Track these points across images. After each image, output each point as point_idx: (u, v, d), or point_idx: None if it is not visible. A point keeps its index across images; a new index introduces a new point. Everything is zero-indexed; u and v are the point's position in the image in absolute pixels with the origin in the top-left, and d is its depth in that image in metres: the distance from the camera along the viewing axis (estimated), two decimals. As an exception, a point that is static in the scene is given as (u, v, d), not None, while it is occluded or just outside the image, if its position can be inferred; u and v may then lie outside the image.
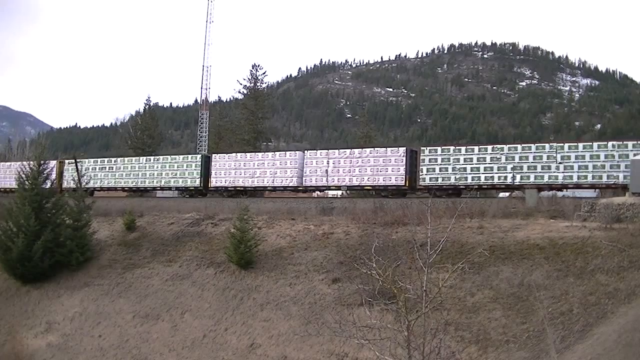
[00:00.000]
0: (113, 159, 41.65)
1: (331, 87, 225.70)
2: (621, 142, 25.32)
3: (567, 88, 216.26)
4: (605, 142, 25.99)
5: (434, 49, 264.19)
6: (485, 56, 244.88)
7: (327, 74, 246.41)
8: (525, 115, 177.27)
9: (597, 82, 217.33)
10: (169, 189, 38.86)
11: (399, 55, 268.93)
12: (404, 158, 30.07)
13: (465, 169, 28.28)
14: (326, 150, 33.49)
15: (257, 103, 60.41)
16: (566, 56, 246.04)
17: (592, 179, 25.49)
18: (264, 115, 62.96)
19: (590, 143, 26.48)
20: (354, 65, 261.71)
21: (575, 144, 26.64)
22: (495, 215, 19.22)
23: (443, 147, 29.76)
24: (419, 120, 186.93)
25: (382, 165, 30.46)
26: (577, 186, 26.54)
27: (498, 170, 27.49)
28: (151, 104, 68.19)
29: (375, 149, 32.40)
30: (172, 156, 40.55)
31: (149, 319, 18.65)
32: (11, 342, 19.06)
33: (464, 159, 28.46)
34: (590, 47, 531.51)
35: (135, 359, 17.05)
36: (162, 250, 22.62)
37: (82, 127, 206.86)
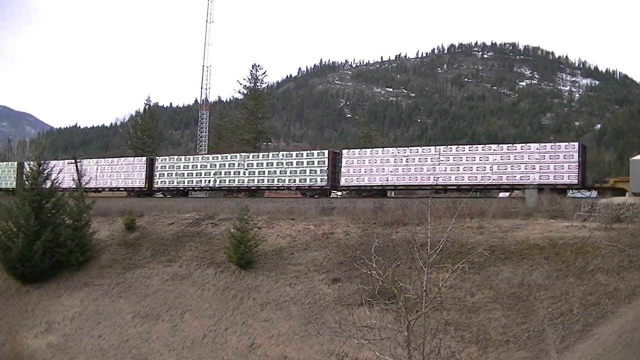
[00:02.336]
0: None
1: (331, 87, 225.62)
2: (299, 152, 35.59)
3: (567, 88, 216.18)
4: (278, 152, 37.36)
5: (434, 49, 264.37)
6: (485, 56, 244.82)
7: (327, 74, 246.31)
8: (525, 115, 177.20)
9: (597, 82, 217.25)
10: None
11: (399, 55, 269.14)
12: (145, 165, 39.10)
13: (184, 174, 37.87)
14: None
15: (257, 103, 60.38)
16: (566, 56, 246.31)
17: (268, 182, 35.07)
18: (264, 115, 62.93)
19: (268, 153, 37.65)
20: (354, 65, 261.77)
21: (257, 154, 37.11)
22: (495, 215, 19.24)
23: (170, 157, 40.44)
24: (419, 120, 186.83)
25: (130, 172, 40.05)
26: (258, 188, 36.08)
27: (205, 175, 36.84)
28: (151, 104, 68.14)
29: (124, 158, 42.69)
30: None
31: (149, 319, 18.64)
32: (11, 342, 19.04)
33: (184, 166, 38.02)
34: (590, 47, 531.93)
35: (135, 359, 17.05)
36: (162, 250, 22.62)
37: (82, 127, 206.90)
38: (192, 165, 37.76)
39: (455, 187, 29.56)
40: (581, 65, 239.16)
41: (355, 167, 32.24)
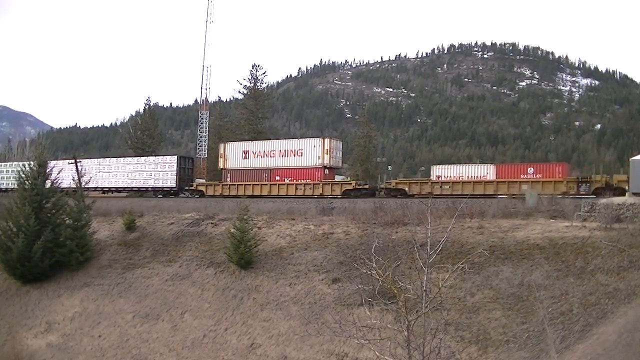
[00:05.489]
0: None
1: (331, 87, 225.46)
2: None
3: (567, 88, 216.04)
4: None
5: (434, 49, 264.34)
6: (485, 56, 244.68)
7: (327, 74, 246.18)
8: (525, 115, 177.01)
9: (597, 82, 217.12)
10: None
11: (399, 55, 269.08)
12: None
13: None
14: None
15: (257, 103, 60.29)
16: (566, 56, 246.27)
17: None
18: (264, 115, 62.84)
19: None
20: (354, 65, 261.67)
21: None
22: (495, 215, 19.23)
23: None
24: (419, 120, 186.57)
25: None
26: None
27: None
28: (151, 104, 68.08)
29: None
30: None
31: (149, 319, 18.64)
32: (11, 342, 19.05)
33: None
34: (590, 47, 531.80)
35: (135, 359, 17.04)
36: (162, 250, 22.62)
37: (82, 127, 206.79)
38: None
39: (115, 189, 44.11)
40: (581, 65, 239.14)
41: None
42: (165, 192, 41.02)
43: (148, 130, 62.61)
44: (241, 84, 62.53)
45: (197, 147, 60.44)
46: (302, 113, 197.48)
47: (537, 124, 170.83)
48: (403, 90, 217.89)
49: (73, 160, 33.78)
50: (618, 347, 9.75)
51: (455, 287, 14.74)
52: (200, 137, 59.49)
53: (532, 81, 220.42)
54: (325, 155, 36.52)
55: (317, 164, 36.65)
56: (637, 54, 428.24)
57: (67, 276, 22.44)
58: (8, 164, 47.83)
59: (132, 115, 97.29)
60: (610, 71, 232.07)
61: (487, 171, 33.16)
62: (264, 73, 62.31)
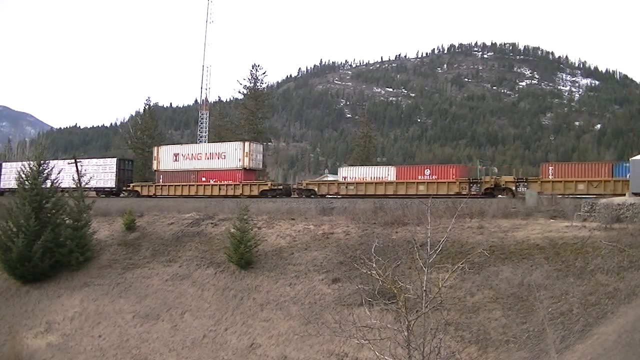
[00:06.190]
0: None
1: (331, 87, 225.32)
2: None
3: (567, 88, 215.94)
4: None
5: (434, 49, 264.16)
6: (485, 56, 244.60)
7: (327, 74, 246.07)
8: (525, 115, 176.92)
9: (597, 82, 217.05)
10: None
11: (399, 55, 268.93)
12: None
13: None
14: None
15: (257, 103, 60.30)
16: (566, 56, 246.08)
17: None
18: (264, 115, 62.84)
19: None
20: (354, 65, 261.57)
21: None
22: (495, 215, 19.22)
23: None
24: (419, 120, 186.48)
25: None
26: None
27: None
28: (151, 104, 68.06)
29: None
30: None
31: (149, 319, 18.64)
32: (11, 342, 19.05)
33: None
34: (590, 47, 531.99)
35: (135, 359, 17.05)
36: (162, 250, 22.61)
37: (82, 127, 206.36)
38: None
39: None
40: (581, 65, 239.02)
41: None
42: (106, 193, 42.33)
43: (148, 130, 62.63)
44: (241, 84, 62.55)
45: (197, 147, 60.49)
46: (302, 113, 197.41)
47: (537, 124, 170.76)
48: (403, 90, 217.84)
49: (73, 161, 33.82)
50: (618, 347, 9.75)
51: (455, 287, 14.74)
52: (200, 137, 59.53)
53: (532, 81, 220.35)
54: (246, 158, 38.77)
55: (238, 166, 38.85)
56: (637, 54, 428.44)
57: (67, 276, 22.44)
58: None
59: (132, 115, 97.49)
60: (610, 71, 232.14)
61: (388, 173, 35.36)
62: (264, 73, 62.34)
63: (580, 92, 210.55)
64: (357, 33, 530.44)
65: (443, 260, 12.24)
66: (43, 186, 23.79)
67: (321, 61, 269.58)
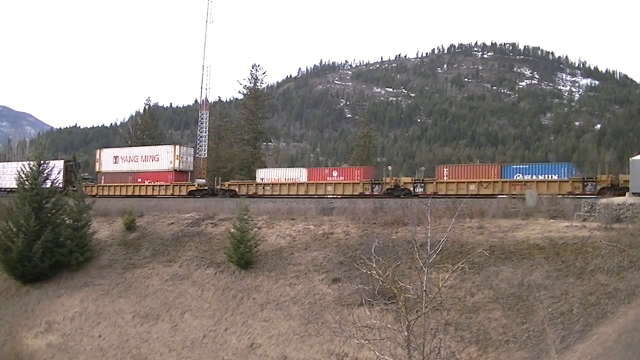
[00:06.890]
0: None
1: (331, 87, 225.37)
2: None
3: (567, 88, 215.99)
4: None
5: (434, 49, 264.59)
6: (485, 56, 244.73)
7: (327, 74, 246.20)
8: (525, 115, 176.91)
9: (597, 82, 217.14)
10: None
11: (399, 55, 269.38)
12: None
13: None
14: None
15: (257, 103, 60.27)
16: (566, 56, 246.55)
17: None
18: (264, 115, 62.81)
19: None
20: (354, 65, 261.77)
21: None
22: (495, 215, 19.21)
23: None
24: (419, 120, 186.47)
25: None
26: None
27: None
28: (151, 104, 68.29)
29: None
30: None
31: (149, 319, 18.64)
32: (11, 342, 19.06)
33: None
34: (590, 47, 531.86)
35: (135, 359, 17.04)
36: (162, 250, 22.61)
37: (82, 127, 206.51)
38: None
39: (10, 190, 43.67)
40: (581, 65, 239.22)
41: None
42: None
43: (148, 130, 62.71)
44: (241, 84, 62.54)
45: (197, 147, 60.43)
46: (302, 113, 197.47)
47: (537, 124, 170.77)
48: (403, 90, 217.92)
49: (73, 161, 33.89)
50: (618, 347, 9.74)
51: (455, 287, 14.73)
52: (200, 137, 59.41)
53: (532, 81, 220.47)
54: (176, 160, 41.73)
55: (169, 168, 41.78)
56: (637, 54, 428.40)
57: (67, 276, 22.44)
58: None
59: (132, 115, 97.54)
60: (610, 71, 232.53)
61: (300, 174, 38.15)
62: (264, 73, 62.39)
63: (580, 92, 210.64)
64: (357, 33, 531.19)
65: (443, 260, 12.25)
66: (43, 186, 23.84)
67: (321, 61, 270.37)
